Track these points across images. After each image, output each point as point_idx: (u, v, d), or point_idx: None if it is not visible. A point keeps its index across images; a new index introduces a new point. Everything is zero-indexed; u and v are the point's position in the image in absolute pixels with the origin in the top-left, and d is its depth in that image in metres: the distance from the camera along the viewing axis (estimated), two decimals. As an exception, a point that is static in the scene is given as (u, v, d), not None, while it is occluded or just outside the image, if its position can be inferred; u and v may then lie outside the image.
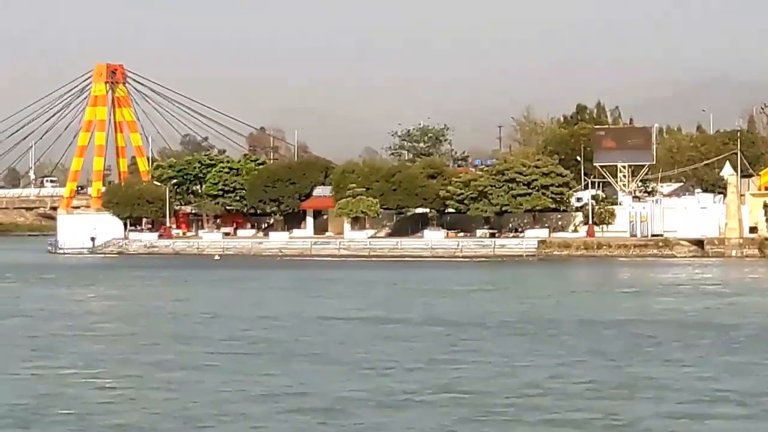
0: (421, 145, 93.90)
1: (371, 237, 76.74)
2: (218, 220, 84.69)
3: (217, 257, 73.49)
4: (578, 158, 75.68)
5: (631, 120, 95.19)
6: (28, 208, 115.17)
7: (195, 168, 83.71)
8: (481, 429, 12.83)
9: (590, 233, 71.98)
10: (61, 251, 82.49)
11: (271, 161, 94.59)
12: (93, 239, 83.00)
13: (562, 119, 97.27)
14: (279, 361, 21.57)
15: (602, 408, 14.34)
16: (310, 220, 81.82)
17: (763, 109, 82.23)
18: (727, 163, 72.82)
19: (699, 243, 68.01)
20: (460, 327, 29.27)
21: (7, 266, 64.70)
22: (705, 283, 48.91)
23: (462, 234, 75.63)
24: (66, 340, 27.18)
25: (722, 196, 71.28)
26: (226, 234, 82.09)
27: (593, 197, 73.65)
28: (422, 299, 40.60)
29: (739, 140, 76.36)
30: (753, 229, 69.12)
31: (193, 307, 37.71)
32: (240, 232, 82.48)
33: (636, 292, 43.26)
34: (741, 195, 69.75)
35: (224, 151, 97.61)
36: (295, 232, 79.91)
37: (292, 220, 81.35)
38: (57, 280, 55.02)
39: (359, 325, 30.42)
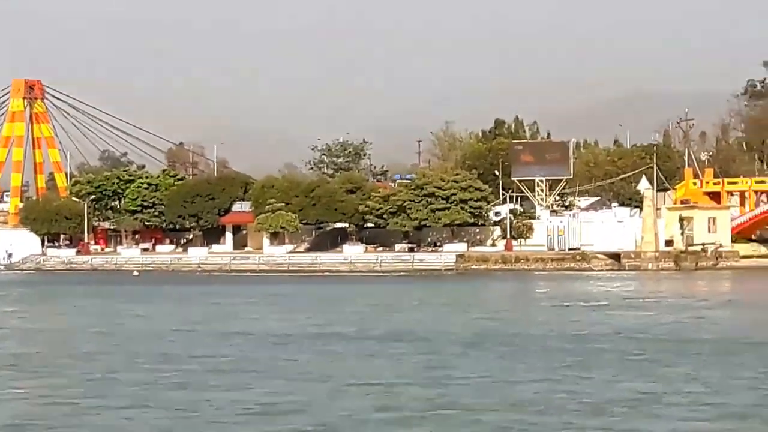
0: (341, 160, 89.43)
1: (290, 252, 72.28)
2: (137, 236, 79.38)
3: (135, 273, 68.09)
4: (496, 173, 72.06)
5: (548, 135, 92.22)
6: None
7: (113, 184, 78.28)
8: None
9: (508, 247, 68.54)
10: None
11: (191, 177, 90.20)
12: (9, 255, 76.64)
13: (480, 134, 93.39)
14: (261, 378, 19.66)
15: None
16: (229, 235, 76.65)
17: (678, 123, 79.05)
18: (644, 177, 69.72)
19: (616, 256, 64.52)
20: (430, 342, 26.10)
21: None
22: (635, 296, 45.17)
23: (381, 248, 71.64)
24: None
25: (638, 209, 68.14)
26: (145, 250, 76.97)
27: (511, 211, 70.26)
28: (371, 314, 36.54)
29: (655, 154, 72.80)
30: (669, 243, 65.99)
31: (131, 324, 32.99)
32: (159, 248, 77.50)
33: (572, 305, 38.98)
34: (657, 209, 67.09)
35: (143, 167, 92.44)
36: (215, 247, 75.02)
37: (212, 236, 76.15)
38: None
39: (329, 341, 27.32)
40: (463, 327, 29.68)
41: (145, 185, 76.72)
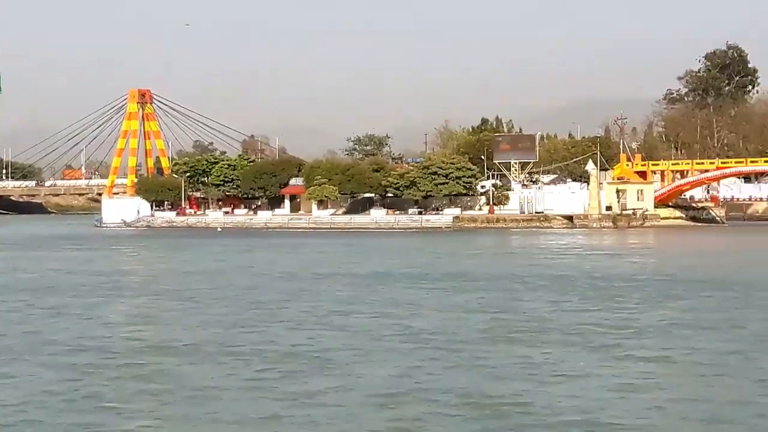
0: (369, 147, 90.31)
1: (332, 214, 72.85)
2: (220, 203, 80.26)
3: (219, 229, 68.98)
4: (482, 157, 71.69)
5: (521, 129, 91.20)
6: (80, 194, 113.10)
7: (203, 165, 79.27)
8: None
9: (491, 211, 68.54)
10: (105, 226, 77.24)
11: (259, 160, 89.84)
12: (124, 219, 78.21)
13: (470, 129, 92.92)
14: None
15: None
16: (287, 202, 77.59)
17: (616, 121, 78.83)
18: (590, 161, 69.28)
19: (569, 218, 64.22)
20: (494, 281, 24.16)
21: (73, 236, 59.89)
22: (593, 246, 44.69)
23: (398, 212, 72.03)
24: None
25: (586, 184, 67.40)
26: (226, 212, 77.83)
27: (493, 185, 70.00)
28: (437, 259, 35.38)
29: (598, 144, 73.24)
30: (608, 208, 65.63)
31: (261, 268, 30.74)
32: (236, 211, 78.07)
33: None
34: (600, 183, 65.84)
35: (224, 153, 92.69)
36: (276, 211, 76.04)
37: (274, 203, 77.45)
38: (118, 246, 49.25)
39: (419, 280, 24.85)
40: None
41: (226, 166, 77.87)
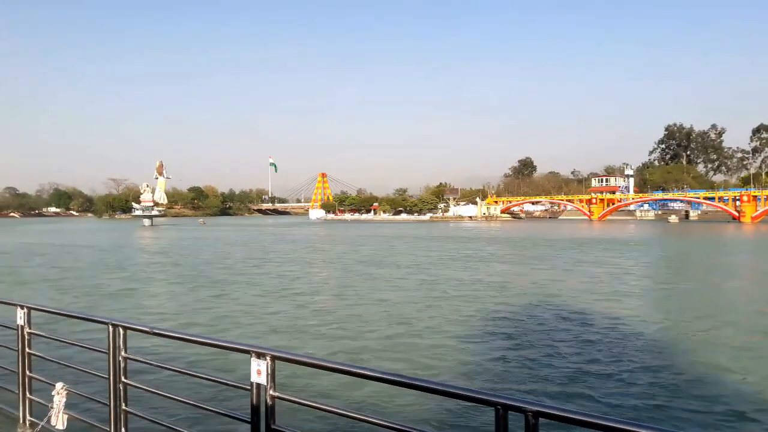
0: (404, 190, 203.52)
1: (388, 215, 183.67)
2: (349, 211, 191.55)
3: (349, 220, 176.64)
4: (441, 196, 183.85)
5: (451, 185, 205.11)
6: (302, 208, 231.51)
7: (345, 198, 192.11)
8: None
9: (443, 215, 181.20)
10: (310, 219, 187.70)
11: (362, 195, 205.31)
12: (318, 216, 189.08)
13: (433, 186, 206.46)
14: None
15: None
16: (372, 211, 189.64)
17: (487, 185, 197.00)
18: (478, 197, 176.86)
19: (471, 217, 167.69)
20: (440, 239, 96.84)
21: (299, 223, 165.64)
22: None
23: (416, 214, 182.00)
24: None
25: (477, 205, 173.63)
26: (351, 214, 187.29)
27: (443, 205, 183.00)
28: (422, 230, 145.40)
29: (481, 192, 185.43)
30: (484, 214, 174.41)
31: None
32: (356, 215, 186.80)
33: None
34: (481, 205, 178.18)
35: (346, 192, 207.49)
36: (367, 215, 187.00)
37: (367, 211, 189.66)
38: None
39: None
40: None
41: (351, 198, 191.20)
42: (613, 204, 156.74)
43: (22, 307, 5.91)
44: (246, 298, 23.37)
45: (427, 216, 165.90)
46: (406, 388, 3.00)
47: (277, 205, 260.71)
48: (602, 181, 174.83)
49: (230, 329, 16.92)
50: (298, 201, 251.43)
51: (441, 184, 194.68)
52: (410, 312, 19.35)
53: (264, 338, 15.42)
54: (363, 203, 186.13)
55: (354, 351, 13.90)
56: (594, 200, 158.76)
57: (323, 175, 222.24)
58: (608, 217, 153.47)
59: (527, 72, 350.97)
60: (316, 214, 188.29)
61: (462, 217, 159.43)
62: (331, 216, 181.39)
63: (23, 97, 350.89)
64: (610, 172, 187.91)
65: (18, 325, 5.92)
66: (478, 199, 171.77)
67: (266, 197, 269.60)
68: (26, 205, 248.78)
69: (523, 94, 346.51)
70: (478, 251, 47.43)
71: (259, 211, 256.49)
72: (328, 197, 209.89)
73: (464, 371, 12.16)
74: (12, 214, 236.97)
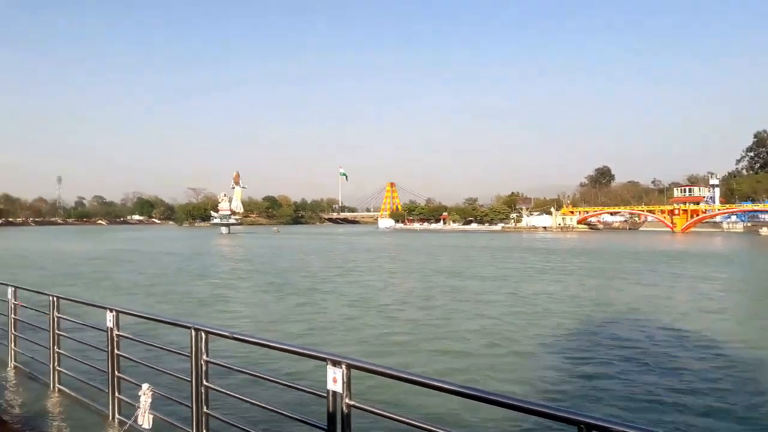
0: (471, 200, 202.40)
1: (459, 224, 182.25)
2: (418, 221, 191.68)
3: (418, 229, 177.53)
4: (513, 205, 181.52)
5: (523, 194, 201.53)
6: (372, 217, 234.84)
7: (413, 208, 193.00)
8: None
9: (515, 225, 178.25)
10: (379, 228, 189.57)
11: (431, 205, 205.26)
12: (386, 226, 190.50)
13: (506, 195, 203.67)
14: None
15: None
16: (442, 221, 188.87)
17: (562, 195, 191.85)
18: (552, 207, 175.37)
19: (545, 227, 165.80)
20: (511, 249, 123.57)
21: (370, 232, 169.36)
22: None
23: (487, 224, 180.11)
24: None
25: (551, 215, 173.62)
26: (420, 224, 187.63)
27: (516, 215, 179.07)
28: (494, 241, 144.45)
29: (555, 202, 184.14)
30: (560, 224, 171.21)
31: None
32: (425, 224, 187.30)
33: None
34: (556, 215, 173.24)
35: (417, 204, 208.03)
36: (436, 225, 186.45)
37: (437, 221, 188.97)
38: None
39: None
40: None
41: (420, 208, 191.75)
42: (698, 215, 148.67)
43: (111, 310, 6.23)
44: (333, 308, 23.15)
45: (499, 226, 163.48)
46: (485, 403, 2.93)
47: (347, 214, 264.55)
48: (685, 191, 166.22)
49: (316, 337, 16.83)
50: (368, 210, 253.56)
51: (513, 193, 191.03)
52: (501, 326, 18.66)
53: (350, 349, 15.05)
54: (432, 213, 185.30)
55: (443, 365, 13.46)
56: (677, 211, 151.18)
57: (392, 185, 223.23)
58: (692, 229, 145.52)
59: (603, 77, 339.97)
60: (385, 223, 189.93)
61: (536, 227, 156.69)
62: (399, 225, 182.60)
63: (108, 111, 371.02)
64: (693, 181, 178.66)
65: (108, 327, 6.24)
66: (552, 209, 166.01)
67: (336, 206, 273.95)
68: (112, 213, 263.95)
69: (599, 100, 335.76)
70: (564, 264, 45.51)
71: (330, 219, 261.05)
72: (396, 207, 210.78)
73: (551, 388, 11.58)
74: (99, 221, 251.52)
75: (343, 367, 3.39)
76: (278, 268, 42.35)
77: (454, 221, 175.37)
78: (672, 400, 11.02)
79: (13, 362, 8.82)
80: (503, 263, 46.82)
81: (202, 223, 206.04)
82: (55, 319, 7.55)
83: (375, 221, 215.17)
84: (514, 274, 37.58)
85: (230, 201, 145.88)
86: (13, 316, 8.72)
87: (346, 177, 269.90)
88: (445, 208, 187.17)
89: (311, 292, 28.09)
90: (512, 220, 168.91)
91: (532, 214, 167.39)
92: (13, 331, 8.77)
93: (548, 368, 13.27)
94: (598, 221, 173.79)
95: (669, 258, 52.83)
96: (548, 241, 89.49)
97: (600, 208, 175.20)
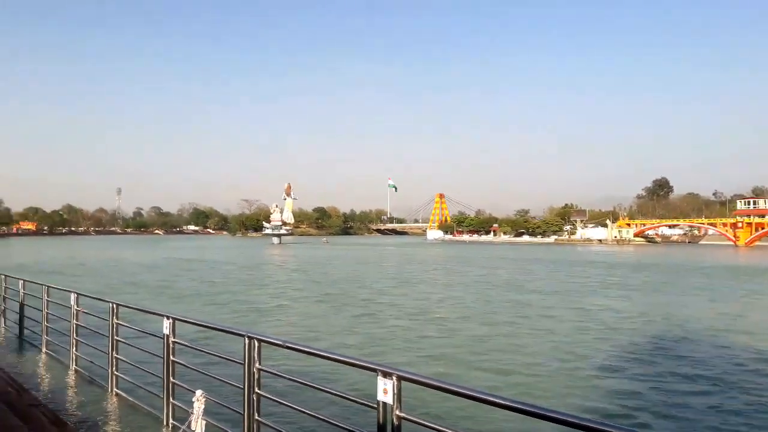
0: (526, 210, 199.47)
1: (510, 236, 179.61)
2: (468, 233, 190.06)
3: (467, 241, 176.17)
4: (566, 218, 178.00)
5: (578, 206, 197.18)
6: (420, 228, 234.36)
7: (464, 219, 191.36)
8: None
9: (569, 237, 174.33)
10: (428, 239, 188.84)
11: (480, 217, 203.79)
12: (436, 237, 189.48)
13: (559, 207, 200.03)
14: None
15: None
16: (492, 233, 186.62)
17: (618, 206, 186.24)
18: (608, 219, 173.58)
19: (600, 240, 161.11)
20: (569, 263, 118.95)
21: (419, 243, 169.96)
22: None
23: (538, 236, 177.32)
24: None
25: (607, 227, 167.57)
26: (469, 236, 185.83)
27: (570, 227, 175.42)
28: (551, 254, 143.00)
29: (611, 214, 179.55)
30: (615, 237, 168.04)
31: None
32: (475, 236, 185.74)
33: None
34: (612, 227, 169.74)
35: (465, 214, 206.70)
36: (486, 236, 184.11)
37: (486, 232, 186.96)
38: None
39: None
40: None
41: (470, 219, 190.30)
42: (763, 228, 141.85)
43: (168, 318, 6.39)
44: (390, 319, 22.78)
45: (552, 239, 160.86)
46: (543, 420, 2.82)
47: (395, 225, 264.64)
48: (749, 204, 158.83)
49: (371, 349, 16.58)
50: (416, 221, 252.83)
51: (567, 205, 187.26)
52: (568, 343, 17.87)
53: (408, 362, 14.71)
54: (482, 224, 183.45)
55: (505, 382, 12.90)
56: (740, 224, 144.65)
57: (441, 196, 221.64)
58: (756, 243, 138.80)
59: (662, 84, 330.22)
60: (434, 234, 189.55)
61: (590, 240, 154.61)
62: (449, 237, 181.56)
63: (165, 128, 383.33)
64: (758, 193, 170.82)
65: (164, 334, 6.42)
66: (608, 222, 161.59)
67: (385, 217, 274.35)
68: (168, 223, 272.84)
69: (654, 108, 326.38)
70: (627, 278, 43.84)
71: (378, 230, 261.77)
72: (445, 218, 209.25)
73: (620, 411, 10.92)
74: (156, 231, 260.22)
75: (394, 378, 3.39)
76: (333, 279, 42.42)
77: (504, 233, 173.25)
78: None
79: (74, 366, 9.19)
80: (563, 277, 45.53)
81: (254, 234, 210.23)
82: (114, 326, 7.80)
83: (423, 232, 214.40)
84: (576, 288, 36.39)
85: (281, 212, 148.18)
86: (75, 321, 9.08)
87: (395, 188, 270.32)
88: (496, 220, 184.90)
89: (368, 303, 27.90)
90: (566, 233, 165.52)
91: (586, 227, 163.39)
92: (75, 336, 9.16)
93: (619, 389, 12.45)
94: (656, 234, 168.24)
95: (737, 273, 50.38)
96: (605, 255, 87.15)
97: (658, 220, 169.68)
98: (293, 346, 4.51)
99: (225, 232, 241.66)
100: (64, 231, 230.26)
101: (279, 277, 45.07)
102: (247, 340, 4.89)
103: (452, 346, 17.24)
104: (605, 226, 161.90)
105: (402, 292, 33.20)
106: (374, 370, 3.53)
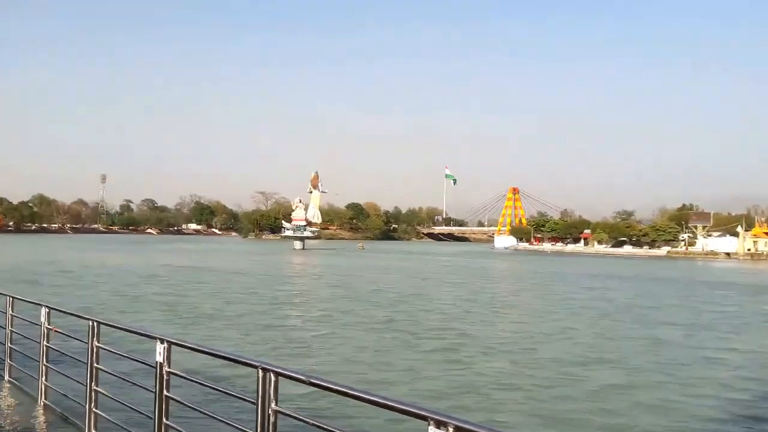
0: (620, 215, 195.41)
1: (604, 247, 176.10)
2: (547, 240, 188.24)
3: (548, 252, 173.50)
4: (683, 223, 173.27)
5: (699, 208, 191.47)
6: (484, 234, 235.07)
7: (542, 223, 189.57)
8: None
9: (686, 249, 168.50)
10: (496, 248, 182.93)
11: (565, 220, 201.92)
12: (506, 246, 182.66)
13: (675, 209, 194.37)
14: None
15: None
16: (582, 241, 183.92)
17: (754, 207, 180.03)
18: (739, 225, 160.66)
19: (728, 254, 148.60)
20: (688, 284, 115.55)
21: (482, 252, 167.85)
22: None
23: (640, 247, 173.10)
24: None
25: (736, 237, 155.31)
26: (551, 244, 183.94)
27: (688, 236, 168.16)
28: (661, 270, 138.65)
29: (744, 219, 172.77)
30: (748, 251, 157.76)
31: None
32: (558, 245, 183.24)
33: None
34: (744, 238, 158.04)
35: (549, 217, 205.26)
36: (573, 246, 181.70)
37: (576, 240, 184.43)
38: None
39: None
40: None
41: (552, 223, 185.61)
42: None
43: (162, 341, 6.25)
44: (476, 359, 21.94)
45: (663, 250, 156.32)
46: None
47: (453, 229, 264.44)
48: None
49: (454, 400, 16.17)
50: (480, 224, 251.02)
51: (684, 206, 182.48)
52: (736, 399, 17.04)
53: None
54: (568, 229, 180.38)
55: None
56: None
57: (515, 191, 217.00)
58: None
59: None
60: (504, 242, 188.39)
61: (715, 253, 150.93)
62: (523, 245, 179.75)
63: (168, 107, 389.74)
64: None
65: (156, 362, 6.29)
66: (739, 229, 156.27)
67: (439, 218, 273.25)
68: (164, 221, 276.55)
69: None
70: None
71: (430, 235, 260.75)
72: (520, 220, 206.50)
73: None
74: (149, 230, 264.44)
75: (450, 429, 3.26)
76: (387, 298, 41.70)
77: (599, 242, 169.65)
78: None
79: (42, 399, 9.21)
80: (700, 304, 43.48)
81: (270, 236, 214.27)
82: (95, 350, 7.77)
83: (489, 238, 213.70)
84: (722, 321, 34.76)
85: (306, 208, 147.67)
86: (45, 343, 9.10)
87: (454, 181, 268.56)
88: (588, 224, 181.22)
89: (440, 332, 27.60)
90: (681, 242, 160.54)
91: (709, 235, 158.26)
92: (45, 362, 9.19)
93: None
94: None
95: None
96: (740, 273, 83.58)
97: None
98: (319, 382, 4.38)
99: (234, 233, 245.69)
100: (33, 228, 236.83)
101: (317, 293, 44.91)
102: (261, 373, 4.80)
103: (572, 400, 16.58)
104: (735, 234, 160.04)
105: (481, 320, 32.55)
106: (425, 418, 3.39)
